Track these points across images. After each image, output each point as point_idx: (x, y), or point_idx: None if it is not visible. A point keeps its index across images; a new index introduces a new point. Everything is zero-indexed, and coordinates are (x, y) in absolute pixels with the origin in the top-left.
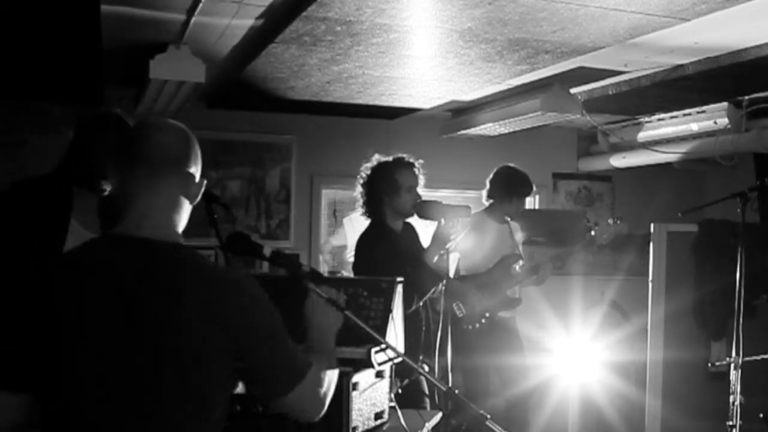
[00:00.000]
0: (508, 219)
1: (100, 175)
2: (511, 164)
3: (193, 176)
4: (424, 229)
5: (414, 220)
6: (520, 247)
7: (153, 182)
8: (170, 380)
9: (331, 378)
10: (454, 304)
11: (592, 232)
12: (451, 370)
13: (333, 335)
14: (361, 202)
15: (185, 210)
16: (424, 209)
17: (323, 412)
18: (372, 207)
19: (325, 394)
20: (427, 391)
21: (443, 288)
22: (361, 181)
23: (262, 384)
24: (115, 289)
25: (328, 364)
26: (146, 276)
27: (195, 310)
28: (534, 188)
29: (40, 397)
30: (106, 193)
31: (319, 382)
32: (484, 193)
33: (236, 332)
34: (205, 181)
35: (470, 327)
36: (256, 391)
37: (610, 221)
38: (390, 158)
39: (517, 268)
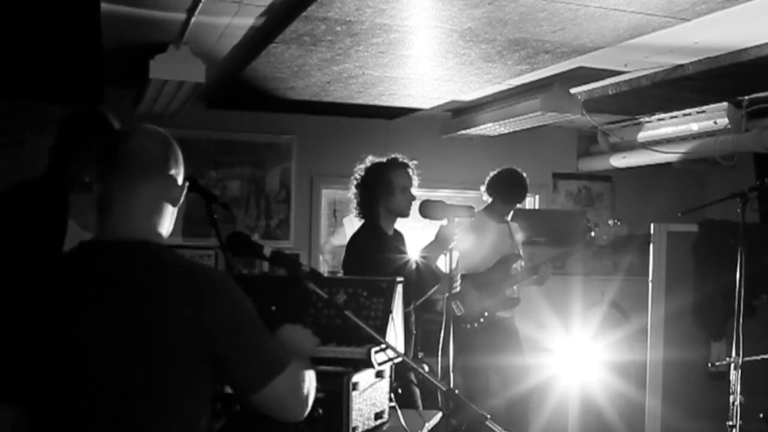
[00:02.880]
0: (508, 219)
1: (82, 177)
2: (517, 168)
3: (173, 179)
4: (425, 229)
5: (417, 221)
6: (521, 248)
7: (130, 187)
8: (141, 384)
9: (311, 378)
10: (453, 303)
11: (592, 233)
12: (452, 370)
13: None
14: (355, 203)
15: (167, 213)
16: (427, 209)
17: (305, 413)
18: (366, 208)
19: (307, 395)
20: (415, 381)
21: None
22: (356, 182)
23: (237, 377)
24: (92, 297)
25: (307, 365)
26: (118, 280)
27: (165, 312)
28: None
29: (29, 406)
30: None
31: (301, 379)
32: (484, 188)
33: (208, 328)
34: (187, 184)
35: (469, 326)
36: (234, 387)
37: (611, 222)
38: (384, 159)
39: (518, 267)
